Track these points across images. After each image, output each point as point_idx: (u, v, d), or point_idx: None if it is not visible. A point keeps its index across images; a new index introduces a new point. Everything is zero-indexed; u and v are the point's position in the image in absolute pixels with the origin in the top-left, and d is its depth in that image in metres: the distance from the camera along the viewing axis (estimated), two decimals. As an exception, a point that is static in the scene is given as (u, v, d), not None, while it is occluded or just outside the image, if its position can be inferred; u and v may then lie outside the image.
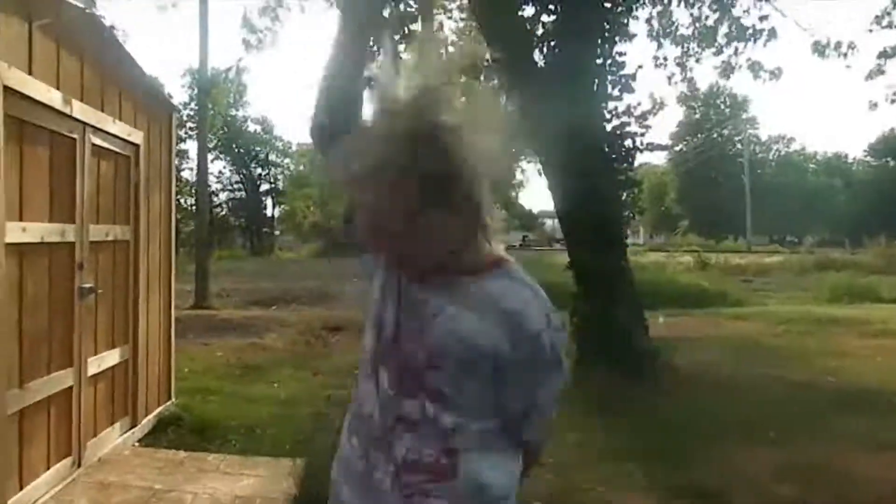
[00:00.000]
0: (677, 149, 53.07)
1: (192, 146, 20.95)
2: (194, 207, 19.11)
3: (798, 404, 5.79)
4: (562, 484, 4.11)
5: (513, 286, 1.26)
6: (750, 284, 18.30)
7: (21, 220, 3.14)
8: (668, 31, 8.81)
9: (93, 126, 3.82)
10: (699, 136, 51.74)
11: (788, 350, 8.47)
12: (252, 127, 40.35)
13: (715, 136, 51.60)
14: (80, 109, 3.62)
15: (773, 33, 8.20)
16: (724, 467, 4.34)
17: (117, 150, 4.24)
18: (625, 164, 7.14)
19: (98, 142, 3.93)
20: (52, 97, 3.35)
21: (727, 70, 8.87)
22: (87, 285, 3.79)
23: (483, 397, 1.25)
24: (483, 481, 1.25)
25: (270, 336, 9.51)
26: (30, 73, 3.14)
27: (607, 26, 6.99)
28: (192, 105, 24.05)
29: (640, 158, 8.39)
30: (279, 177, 42.91)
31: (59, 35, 3.42)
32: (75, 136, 3.66)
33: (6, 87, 2.90)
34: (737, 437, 4.91)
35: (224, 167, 39.71)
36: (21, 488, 3.20)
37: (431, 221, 1.15)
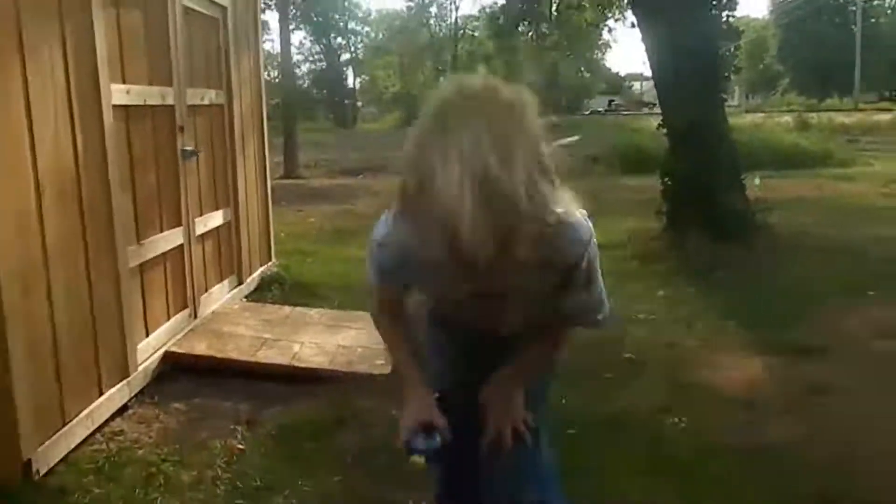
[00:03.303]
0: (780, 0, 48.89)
1: (271, 17, 20.79)
2: (278, 79, 19.20)
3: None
4: (653, 338, 4.16)
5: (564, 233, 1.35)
6: (856, 144, 17.22)
7: (124, 82, 3.23)
8: None
9: (181, -13, 3.82)
10: (807, -17, 47.31)
11: (896, 210, 8.04)
12: (330, -5, 39.50)
13: (825, -18, 47.05)
14: (167, -31, 3.61)
15: None
16: (823, 326, 4.25)
17: (206, 12, 4.25)
18: (726, 11, 6.64)
19: (187, 3, 3.93)
20: (141, -44, 3.34)
21: None
22: (189, 148, 3.92)
23: None
24: None
25: (360, 202, 9.74)
26: (117, -69, 3.13)
27: None
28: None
29: (739, 10, 7.77)
30: (359, 46, 42.31)
31: None
32: (165, -4, 3.67)
33: (97, -54, 2.90)
34: (837, 296, 4.78)
35: (304, 38, 39.40)
36: (147, 335, 3.49)
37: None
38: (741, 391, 3.40)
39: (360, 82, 43.85)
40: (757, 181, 8.18)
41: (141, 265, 3.44)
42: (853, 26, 43.22)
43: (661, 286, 5.16)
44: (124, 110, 3.23)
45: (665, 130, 6.85)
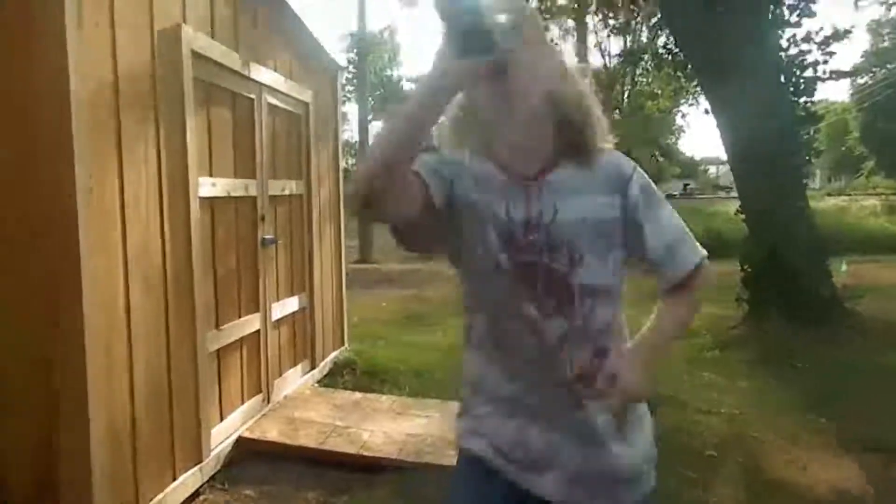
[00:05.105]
0: (861, 81, 47.98)
1: (350, 109, 21.80)
2: (355, 167, 19.93)
3: None
4: (734, 433, 3.96)
5: (609, 158, 1.39)
6: (949, 229, 16.39)
7: (211, 175, 3.42)
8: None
9: (268, 86, 4.06)
10: (888, 66, 46.38)
11: None
12: (407, 86, 41.11)
13: (907, 64, 46.00)
14: (256, 71, 3.86)
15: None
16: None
17: (289, 108, 4.49)
18: (804, 97, 6.57)
19: (273, 101, 4.17)
20: (233, 60, 3.58)
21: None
22: (269, 236, 4.08)
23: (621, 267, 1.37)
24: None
25: (431, 288, 9.81)
26: (212, 36, 3.38)
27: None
28: (350, 68, 24.90)
29: (818, 94, 7.69)
30: (434, 135, 43.57)
31: None
32: (253, 96, 3.90)
33: (193, 52, 3.13)
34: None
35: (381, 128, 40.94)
36: (222, 419, 3.55)
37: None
38: (830, 492, 3.17)
39: (435, 169, 44.92)
40: (843, 267, 7.86)
41: (219, 350, 3.54)
42: (940, 107, 41.87)
43: (742, 377, 4.95)
44: (210, 201, 3.40)
45: (743, 215, 6.72)
